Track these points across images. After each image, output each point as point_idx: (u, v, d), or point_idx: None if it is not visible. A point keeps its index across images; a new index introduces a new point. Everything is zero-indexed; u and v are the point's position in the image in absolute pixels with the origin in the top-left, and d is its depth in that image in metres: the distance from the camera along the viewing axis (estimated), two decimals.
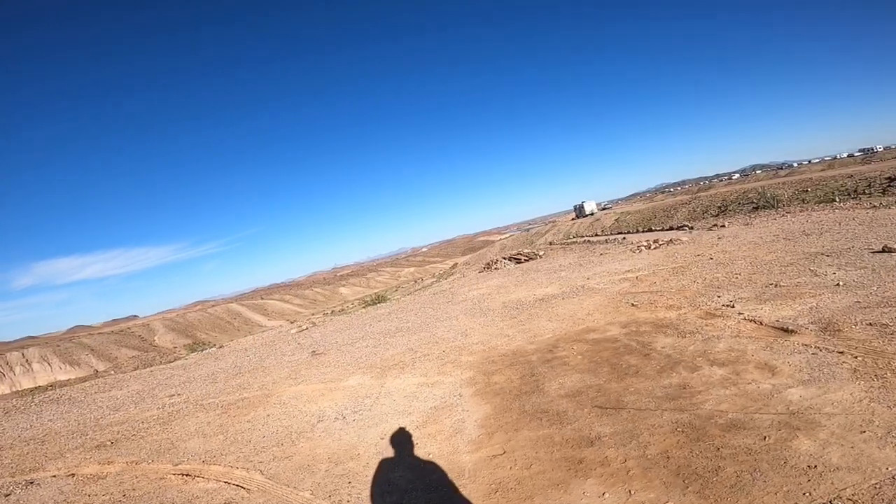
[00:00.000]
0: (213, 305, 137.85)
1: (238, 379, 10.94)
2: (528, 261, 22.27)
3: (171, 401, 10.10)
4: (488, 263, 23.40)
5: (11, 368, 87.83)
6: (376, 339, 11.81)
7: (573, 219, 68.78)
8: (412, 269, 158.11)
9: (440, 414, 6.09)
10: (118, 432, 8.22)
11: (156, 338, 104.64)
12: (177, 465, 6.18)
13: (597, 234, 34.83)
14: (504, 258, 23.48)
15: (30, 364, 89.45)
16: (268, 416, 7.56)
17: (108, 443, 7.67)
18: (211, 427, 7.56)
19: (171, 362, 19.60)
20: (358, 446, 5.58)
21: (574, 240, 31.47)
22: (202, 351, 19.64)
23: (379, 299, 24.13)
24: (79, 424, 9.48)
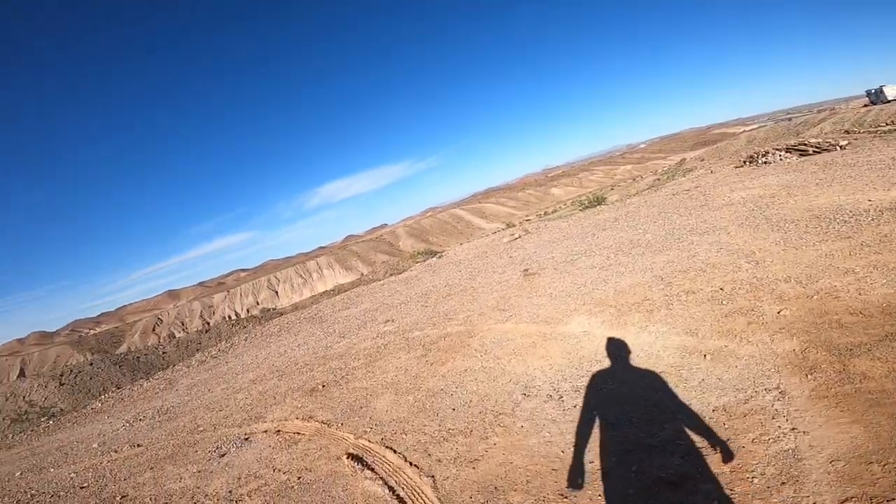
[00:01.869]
0: (440, 211, 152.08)
1: (447, 303, 9.60)
2: (818, 152, 15.24)
3: (385, 328, 9.39)
4: (752, 156, 17.02)
5: (310, 275, 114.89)
6: (604, 257, 8.85)
7: (865, 106, 49.96)
8: (629, 167, 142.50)
9: (741, 428, 3.14)
10: (332, 372, 7.67)
11: (399, 243, 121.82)
12: (357, 437, 4.97)
13: None
14: (776, 149, 16.63)
15: (321, 270, 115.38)
16: (465, 371, 5.80)
17: (320, 386, 7.08)
18: (406, 378, 6.22)
19: (400, 273, 20.48)
20: (575, 472, 3.23)
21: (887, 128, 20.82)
22: (424, 261, 19.87)
23: (597, 200, 20.52)
24: (313, 354, 9.50)
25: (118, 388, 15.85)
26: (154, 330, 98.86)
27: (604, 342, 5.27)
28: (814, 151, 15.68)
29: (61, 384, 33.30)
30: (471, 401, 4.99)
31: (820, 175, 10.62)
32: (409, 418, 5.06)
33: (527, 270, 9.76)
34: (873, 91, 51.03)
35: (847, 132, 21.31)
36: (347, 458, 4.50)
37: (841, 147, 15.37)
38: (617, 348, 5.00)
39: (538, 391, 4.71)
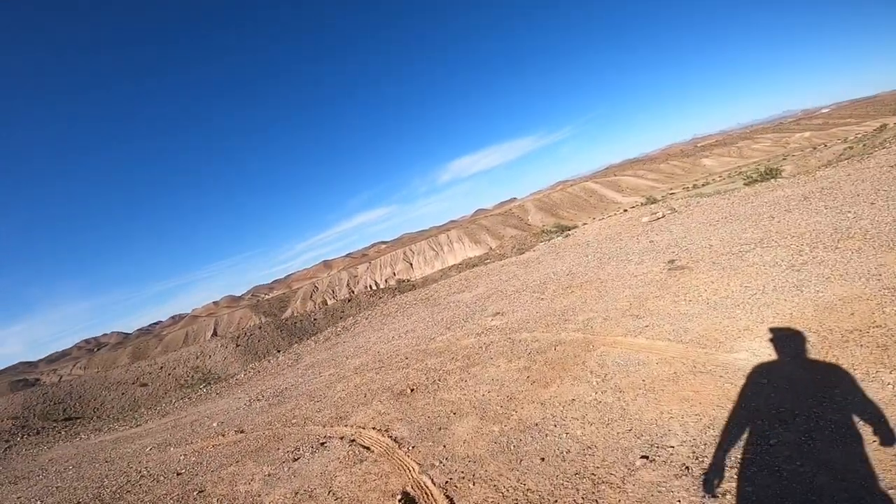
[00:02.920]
0: (571, 185, 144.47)
1: (566, 298, 7.98)
2: None
3: (492, 323, 8.14)
4: None
5: (441, 248, 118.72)
6: (792, 251, 6.34)
7: None
8: (807, 134, 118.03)
9: None
10: (426, 372, 6.71)
11: (529, 217, 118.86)
12: (422, 471, 3.98)
13: None
14: None
15: (452, 244, 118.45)
16: (571, 402, 4.36)
17: (409, 390, 6.16)
18: (498, 398, 4.96)
19: (522, 253, 18.98)
20: None
21: None
22: (549, 240, 18.03)
23: (770, 173, 16.21)
24: (415, 346, 8.68)
25: (277, 352, 17.51)
26: (311, 297, 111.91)
27: (794, 389, 3.33)
28: None
29: (237, 345, 39.14)
30: (569, 451, 3.54)
31: None
32: (486, 458, 3.81)
33: (673, 262, 7.57)
34: None
35: None
36: (401, 500, 3.44)
37: None
38: (820, 404, 3.05)
39: (669, 456, 3.09)
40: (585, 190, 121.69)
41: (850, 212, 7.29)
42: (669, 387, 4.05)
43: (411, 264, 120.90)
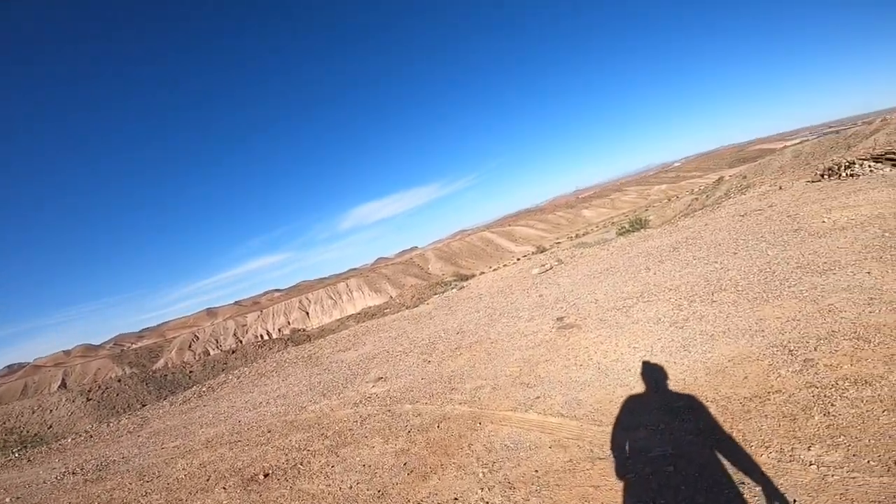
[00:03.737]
0: (470, 234, 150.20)
1: (454, 361, 7.18)
2: None
3: (374, 390, 7.04)
4: (831, 168, 14.06)
5: (340, 296, 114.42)
6: (672, 305, 6.25)
7: None
8: (663, 187, 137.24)
9: None
10: (288, 452, 5.42)
11: (429, 266, 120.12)
12: None
13: None
14: (861, 158, 13.62)
15: (351, 292, 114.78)
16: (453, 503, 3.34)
17: (262, 476, 4.84)
18: (367, 495, 3.85)
19: (415, 307, 18.16)
20: None
21: None
22: (443, 293, 17.49)
23: (639, 223, 17.69)
24: (283, 416, 7.26)
25: (142, 406, 14.40)
26: (190, 346, 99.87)
27: (707, 479, 2.75)
28: None
29: (88, 399, 32.48)
30: None
31: None
32: None
33: (562, 319, 7.20)
34: None
35: None
36: None
37: None
38: (740, 498, 2.48)
39: None
40: (483, 239, 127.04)
41: (716, 262, 7.58)
42: (566, 479, 3.32)
43: (307, 313, 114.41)
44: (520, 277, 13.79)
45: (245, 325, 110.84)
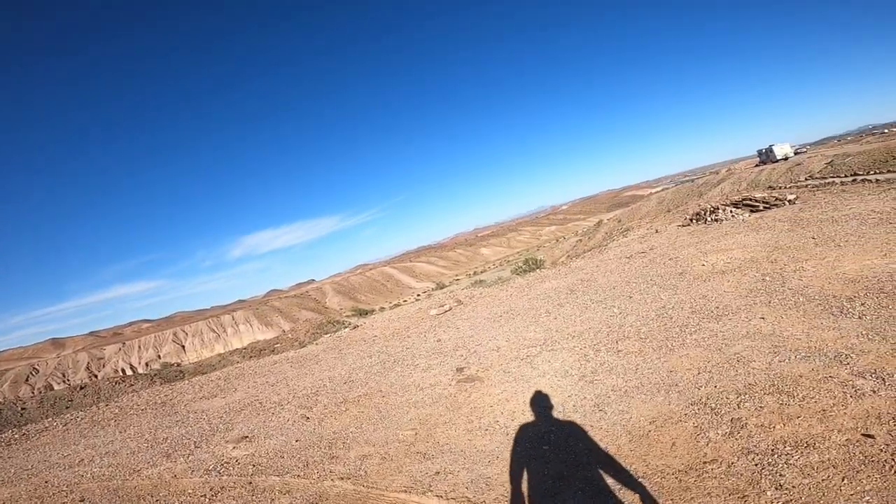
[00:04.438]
0: (370, 269, 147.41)
1: (339, 419, 6.04)
2: (768, 208, 14.17)
3: (234, 453, 5.62)
4: (698, 213, 15.67)
5: (224, 329, 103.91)
6: (577, 355, 5.84)
7: (757, 165, 54.03)
8: (553, 228, 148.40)
9: None
10: None
11: (326, 300, 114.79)
12: None
13: (816, 178, 23.34)
14: (724, 205, 15.40)
15: (237, 325, 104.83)
16: None
17: None
18: None
19: (304, 346, 16.41)
20: None
21: (820, 181, 20.96)
22: (334, 333, 16.00)
23: (534, 264, 18.11)
24: (107, 482, 5.40)
25: None
26: (27, 380, 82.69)
27: None
28: (764, 207, 14.50)
29: None
30: None
31: (803, 232, 8.72)
32: None
33: (462, 370, 6.44)
34: (764, 150, 54.60)
35: (771, 188, 20.98)
36: None
37: (790, 202, 14.35)
38: None
39: None
40: (383, 275, 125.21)
41: (614, 306, 7.48)
42: None
43: (183, 346, 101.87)
44: (417, 318, 12.98)
45: (102, 357, 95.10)
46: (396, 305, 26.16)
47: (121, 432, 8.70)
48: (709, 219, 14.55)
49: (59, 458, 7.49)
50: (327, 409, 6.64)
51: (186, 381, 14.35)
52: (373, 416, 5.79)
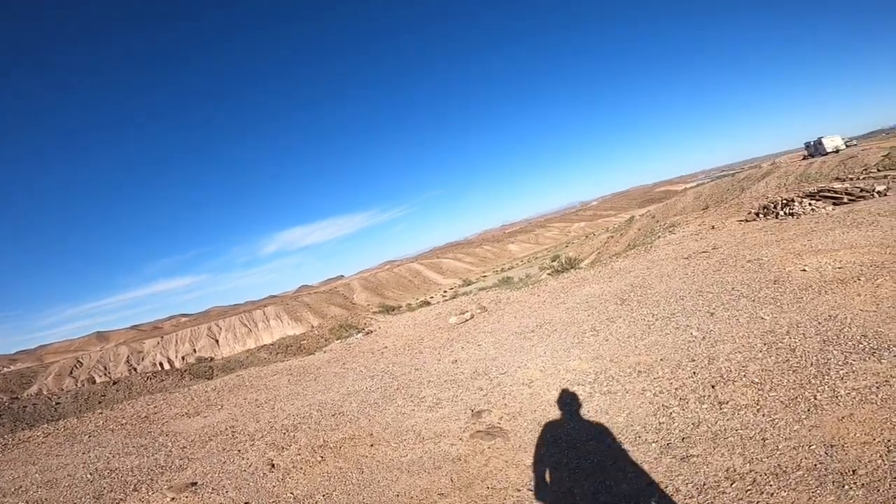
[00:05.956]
0: (398, 265, 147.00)
1: (307, 474, 4.34)
2: (853, 200, 11.88)
3: (183, 499, 3.97)
4: (766, 206, 13.31)
5: (256, 324, 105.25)
6: (648, 407, 3.92)
7: (804, 158, 50.32)
8: (582, 224, 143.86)
9: None
10: None
11: (354, 296, 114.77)
12: None
13: (873, 172, 20.20)
14: (801, 197, 12.98)
15: (268, 321, 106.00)
16: None
17: None
18: None
19: (309, 354, 14.92)
20: None
21: (885, 173, 18.03)
22: (346, 339, 14.41)
23: (569, 263, 16.06)
24: None
25: None
26: (71, 373, 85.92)
27: None
28: (848, 199, 12.12)
29: None
30: None
31: None
32: None
33: (480, 415, 4.57)
34: (812, 143, 50.96)
35: (838, 178, 18.00)
36: None
37: (879, 193, 11.90)
38: None
39: None
40: (411, 271, 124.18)
41: (690, 326, 5.46)
42: None
43: (217, 341, 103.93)
44: (434, 327, 11.18)
45: (141, 351, 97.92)
46: (424, 303, 24.57)
47: (83, 454, 7.31)
48: (781, 213, 12.15)
49: (11, 480, 6.19)
50: (300, 456, 4.95)
51: (188, 389, 13.11)
52: (350, 478, 4.05)
